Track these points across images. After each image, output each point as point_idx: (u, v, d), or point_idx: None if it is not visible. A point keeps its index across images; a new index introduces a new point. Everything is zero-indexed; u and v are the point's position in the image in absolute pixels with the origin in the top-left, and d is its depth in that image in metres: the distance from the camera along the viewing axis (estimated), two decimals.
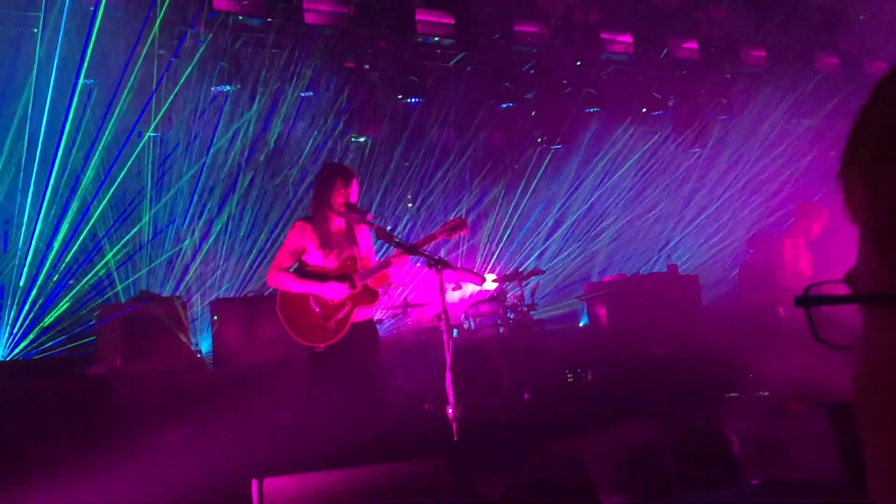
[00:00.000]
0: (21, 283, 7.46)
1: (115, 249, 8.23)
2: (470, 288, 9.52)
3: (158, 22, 7.35)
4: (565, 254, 11.13)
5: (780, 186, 10.87)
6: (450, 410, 4.79)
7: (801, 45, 10.30)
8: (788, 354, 7.83)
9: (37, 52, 6.93)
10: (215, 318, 7.92)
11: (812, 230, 7.99)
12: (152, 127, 7.79)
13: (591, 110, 9.99)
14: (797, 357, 7.65)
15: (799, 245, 8.02)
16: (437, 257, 5.00)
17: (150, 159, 8.06)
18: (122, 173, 7.82)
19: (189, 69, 7.77)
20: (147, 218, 8.31)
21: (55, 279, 7.81)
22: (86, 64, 7.05)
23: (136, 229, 8.21)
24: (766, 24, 10.11)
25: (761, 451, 4.28)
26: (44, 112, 7.06)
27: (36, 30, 6.96)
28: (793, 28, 10.14)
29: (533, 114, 9.85)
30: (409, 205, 9.86)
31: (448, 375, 4.77)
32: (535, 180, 10.36)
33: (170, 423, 6.36)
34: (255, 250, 9.11)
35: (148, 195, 8.17)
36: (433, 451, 5.37)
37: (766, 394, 9.37)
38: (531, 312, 9.01)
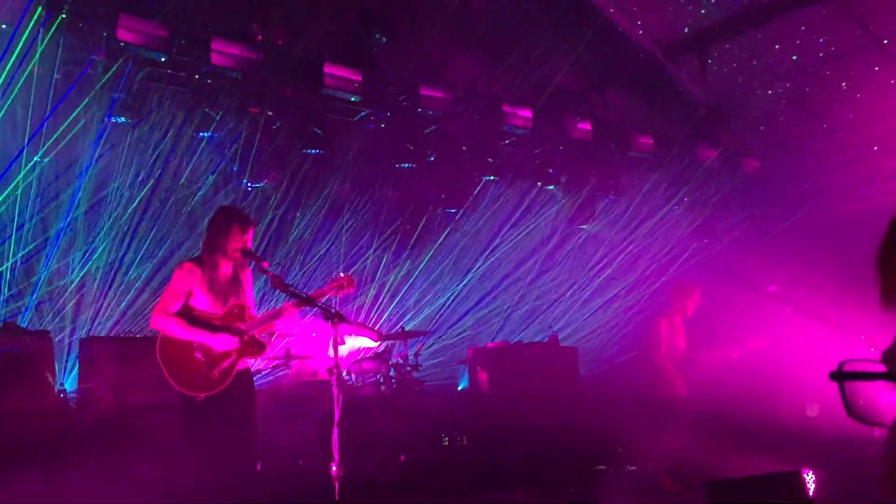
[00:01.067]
0: None
1: None
2: (354, 342, 9.43)
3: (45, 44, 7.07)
4: (452, 317, 11.22)
5: (658, 267, 11.37)
6: (334, 468, 4.69)
7: (684, 136, 10.93)
8: (665, 431, 8.13)
9: None
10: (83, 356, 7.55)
11: (688, 308, 8.36)
12: (40, 153, 7.45)
13: (489, 178, 10.23)
14: (674, 434, 7.94)
15: (675, 323, 8.36)
16: (333, 310, 4.95)
17: (34, 186, 7.68)
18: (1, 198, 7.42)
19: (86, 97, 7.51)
20: (24, 248, 7.88)
21: None
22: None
23: (9, 260, 7.75)
24: (655, 114, 10.71)
25: None
26: None
27: None
28: (680, 120, 10.78)
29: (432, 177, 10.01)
30: (288, 264, 9.72)
31: (335, 432, 4.68)
32: (433, 243, 10.46)
33: (27, 470, 5.95)
34: (133, 289, 8.76)
35: (27, 223, 7.76)
36: None
37: (634, 468, 9.63)
38: (413, 372, 8.99)
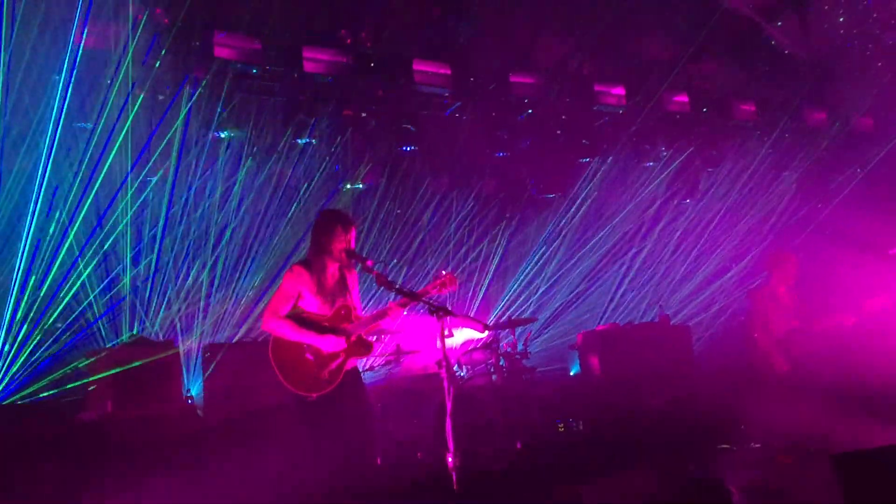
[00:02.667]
0: (9, 326, 7.39)
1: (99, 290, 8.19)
2: (462, 335, 9.50)
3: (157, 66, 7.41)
4: (559, 302, 11.15)
5: (767, 238, 10.98)
6: (450, 459, 4.74)
7: (789, 99, 10.49)
8: (783, 406, 7.85)
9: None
10: (207, 361, 7.88)
11: (788, 276, 8.04)
12: (145, 171, 7.82)
13: (584, 160, 10.11)
14: (792, 409, 7.67)
15: (778, 294, 8.07)
16: (438, 305, 4.99)
17: (149, 202, 8.06)
18: (115, 217, 7.83)
19: (182, 113, 7.81)
20: (142, 261, 8.29)
21: (45, 322, 7.74)
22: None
23: (129, 273, 8.16)
24: (756, 80, 10.31)
25: (762, 502, 4.28)
26: (41, 156, 7.06)
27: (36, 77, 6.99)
28: (782, 83, 10.34)
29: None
30: (391, 260, 9.85)
31: (448, 423, 4.73)
32: (535, 228, 10.42)
33: (162, 470, 6.27)
34: (245, 296, 9.07)
35: (145, 238, 8.16)
36: (435, 500, 5.34)
37: (758, 446, 9.35)
38: (523, 360, 8.99)
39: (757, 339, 7.90)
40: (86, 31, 7.06)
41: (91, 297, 8.03)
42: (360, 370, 5.56)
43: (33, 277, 7.35)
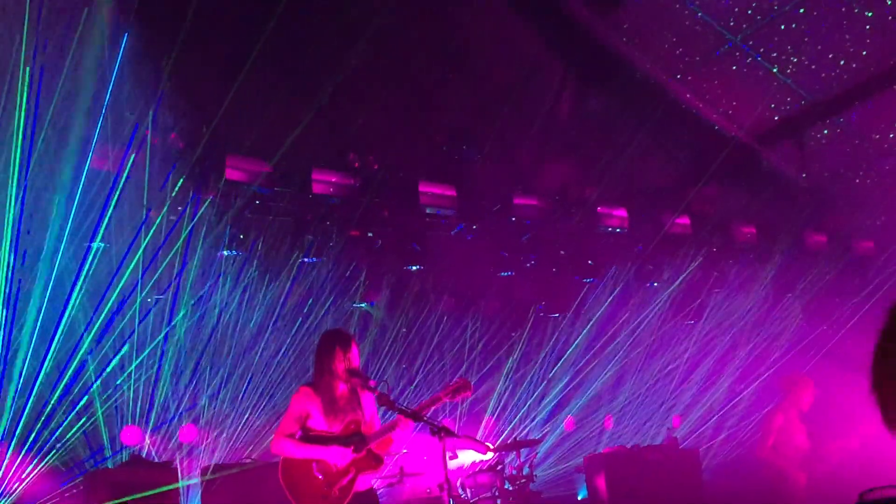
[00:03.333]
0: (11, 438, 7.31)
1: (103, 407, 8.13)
2: (467, 456, 9.33)
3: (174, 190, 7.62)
4: (565, 423, 10.99)
5: (775, 362, 10.92)
6: None
7: (789, 223, 10.65)
8: None
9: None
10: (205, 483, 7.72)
11: (803, 401, 8.01)
12: (148, 287, 7.90)
13: (588, 280, 10.19)
14: None
15: (791, 417, 8.00)
16: (439, 425, 4.95)
17: (152, 322, 8.12)
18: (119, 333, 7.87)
19: (186, 232, 7.96)
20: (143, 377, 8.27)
21: (44, 436, 7.67)
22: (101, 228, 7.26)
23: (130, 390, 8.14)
24: (756, 203, 10.50)
25: None
26: (53, 271, 7.17)
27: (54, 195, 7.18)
28: (781, 207, 10.52)
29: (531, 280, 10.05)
30: (396, 379, 9.82)
31: None
32: (539, 348, 10.40)
33: None
34: (250, 416, 9.00)
35: (157, 355, 8.18)
36: None
37: None
38: (529, 484, 8.79)
39: (766, 458, 7.81)
40: (100, 154, 7.31)
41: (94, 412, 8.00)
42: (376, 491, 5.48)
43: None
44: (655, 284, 10.48)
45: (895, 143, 10.23)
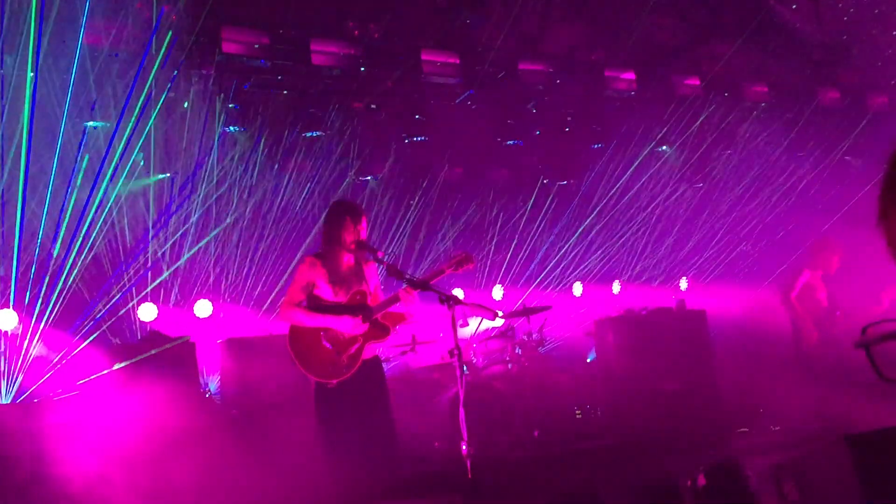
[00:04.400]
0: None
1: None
2: (477, 324, 9.49)
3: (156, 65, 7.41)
4: (575, 289, 11.13)
5: (784, 220, 10.90)
6: (464, 447, 4.76)
7: (802, 79, 10.39)
8: (803, 388, 7.84)
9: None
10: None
11: (831, 264, 8.10)
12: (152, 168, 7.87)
13: (596, 146, 10.06)
14: (813, 390, 7.65)
15: (817, 277, 8.13)
16: (447, 294, 5.00)
17: (157, 200, 8.12)
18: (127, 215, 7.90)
19: (187, 108, 7.83)
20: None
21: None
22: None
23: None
24: (768, 60, 10.20)
25: (780, 486, 4.24)
26: (48, 154, 7.10)
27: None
28: (794, 63, 10.23)
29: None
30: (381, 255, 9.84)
31: (462, 412, 4.74)
32: (548, 216, 10.39)
33: (184, 465, 6.33)
34: (261, 289, 9.13)
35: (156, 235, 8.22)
36: (450, 490, 5.35)
37: (777, 428, 9.32)
38: (539, 348, 8.97)
39: (792, 305, 8.07)
40: (93, 28, 7.10)
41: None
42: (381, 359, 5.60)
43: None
44: (665, 148, 10.34)
45: None
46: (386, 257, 5.32)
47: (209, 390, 8.07)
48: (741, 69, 10.32)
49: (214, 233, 8.57)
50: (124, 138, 7.33)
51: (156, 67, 7.40)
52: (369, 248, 5.36)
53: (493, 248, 10.47)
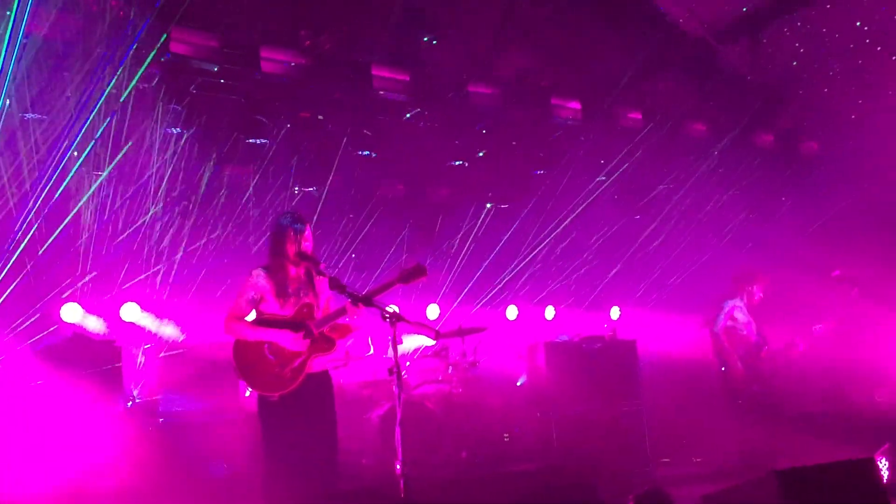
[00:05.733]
0: None
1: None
2: (411, 342, 9.48)
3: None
4: (509, 312, 11.19)
5: (716, 256, 11.20)
6: (398, 466, 4.72)
7: (739, 121, 10.72)
8: (729, 421, 8.03)
9: None
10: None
11: (754, 294, 8.32)
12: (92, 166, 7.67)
13: (539, 172, 10.18)
14: (738, 423, 7.84)
15: (741, 308, 8.34)
16: (390, 310, 4.97)
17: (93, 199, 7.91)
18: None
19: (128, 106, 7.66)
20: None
21: None
22: None
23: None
24: (708, 100, 10.52)
25: None
26: None
27: None
28: (732, 105, 10.56)
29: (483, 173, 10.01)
30: (353, 255, 9.81)
31: (398, 431, 4.71)
32: (488, 238, 10.45)
33: (107, 475, 6.16)
34: (193, 297, 8.94)
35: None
36: None
37: (699, 460, 9.53)
38: (472, 370, 9.00)
39: (716, 336, 8.25)
40: (37, 19, 6.89)
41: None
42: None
43: None
44: (604, 178, 10.53)
45: (847, 44, 10.24)
46: (328, 269, 5.28)
47: (133, 398, 7.83)
48: (682, 107, 10.59)
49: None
50: (64, 133, 7.12)
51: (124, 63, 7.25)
52: (311, 260, 5.32)
53: (430, 267, 10.45)
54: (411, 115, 8.96)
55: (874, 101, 10.80)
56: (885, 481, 4.70)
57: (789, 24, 10.07)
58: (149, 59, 7.35)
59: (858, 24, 9.74)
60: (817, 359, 8.92)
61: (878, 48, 10.05)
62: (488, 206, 10.25)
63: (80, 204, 7.88)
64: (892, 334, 9.75)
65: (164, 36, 7.36)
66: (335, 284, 5.07)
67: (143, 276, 8.69)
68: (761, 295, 8.35)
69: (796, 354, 8.07)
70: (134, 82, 7.29)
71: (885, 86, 10.65)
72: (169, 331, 8.66)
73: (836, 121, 11.23)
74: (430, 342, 9.69)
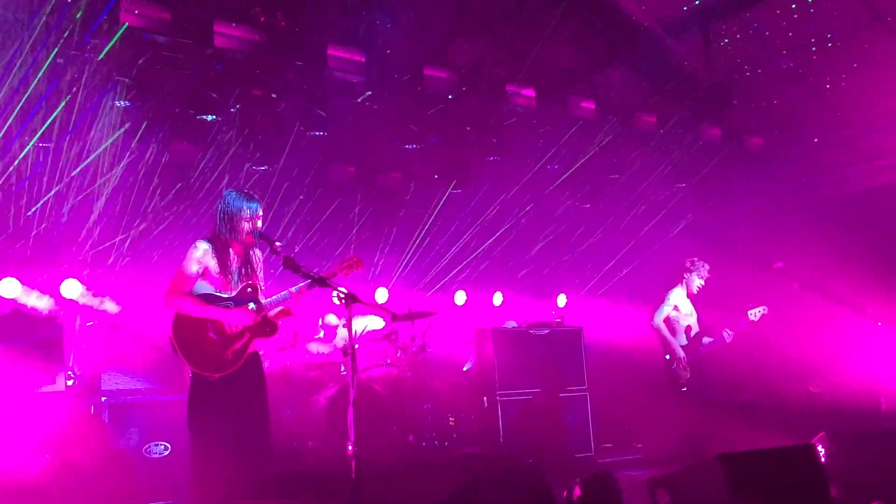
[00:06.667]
0: None
1: None
2: (359, 324, 9.46)
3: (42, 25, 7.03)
4: (457, 297, 11.25)
5: (663, 246, 11.40)
6: (350, 447, 4.73)
7: (687, 114, 10.89)
8: (672, 408, 8.21)
9: None
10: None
11: (692, 282, 8.49)
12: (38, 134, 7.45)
13: (492, 158, 10.21)
14: (684, 412, 8.02)
15: (680, 296, 8.50)
16: (344, 291, 4.95)
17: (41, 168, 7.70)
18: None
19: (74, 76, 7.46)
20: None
21: None
22: None
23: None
24: (658, 93, 10.66)
25: (655, 499, 4.44)
26: None
27: None
28: (683, 99, 10.72)
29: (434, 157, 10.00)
30: (279, 246, 9.72)
31: (350, 412, 4.71)
32: (438, 223, 10.46)
33: (47, 454, 6.02)
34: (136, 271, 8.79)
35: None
36: (328, 491, 5.30)
37: (640, 445, 9.74)
38: (421, 353, 9.04)
39: (656, 326, 8.36)
40: None
41: None
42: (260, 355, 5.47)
43: None
44: (556, 167, 10.61)
45: (792, 44, 10.46)
46: (281, 248, 5.22)
47: (73, 374, 7.67)
48: (633, 99, 10.72)
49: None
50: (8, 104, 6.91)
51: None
52: (267, 239, 5.26)
53: (380, 250, 10.45)
54: (365, 97, 8.87)
55: (818, 101, 11.08)
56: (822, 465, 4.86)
57: (738, 21, 10.25)
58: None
59: (805, 24, 9.96)
60: (752, 349, 9.18)
61: (823, 47, 10.30)
62: (445, 191, 10.24)
63: (14, 174, 7.66)
64: (828, 327, 10.08)
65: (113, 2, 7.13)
66: (290, 264, 5.02)
67: (86, 252, 8.51)
68: (701, 283, 8.53)
69: (727, 343, 8.28)
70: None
71: (827, 87, 10.94)
72: (111, 307, 8.50)
73: (781, 118, 11.50)
74: (378, 325, 9.70)
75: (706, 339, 8.35)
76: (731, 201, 11.86)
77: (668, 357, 8.33)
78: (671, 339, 8.31)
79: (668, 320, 8.43)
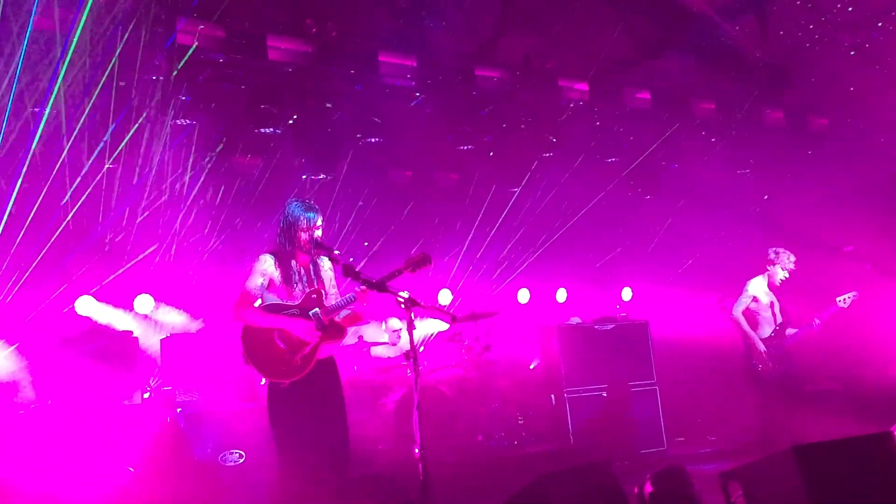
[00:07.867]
0: None
1: None
2: (425, 326, 9.52)
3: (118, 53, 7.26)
4: (520, 295, 11.22)
5: (729, 234, 11.18)
6: (416, 450, 4.75)
7: (748, 99, 10.65)
8: (748, 400, 8.02)
9: None
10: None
11: (775, 274, 8.21)
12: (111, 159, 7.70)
13: (547, 155, 10.15)
14: (761, 403, 7.83)
15: (761, 288, 8.25)
16: (404, 296, 4.97)
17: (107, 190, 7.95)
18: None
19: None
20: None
21: None
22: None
23: None
24: (716, 78, 10.45)
25: (728, 493, 4.36)
26: None
27: None
28: (740, 83, 10.49)
29: (490, 154, 9.98)
30: (365, 243, 9.84)
31: (416, 415, 4.73)
32: (497, 222, 10.45)
33: (120, 465, 6.21)
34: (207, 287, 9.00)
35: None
36: (399, 492, 5.35)
37: (714, 438, 9.56)
38: (485, 353, 9.05)
39: (735, 318, 8.15)
40: (39, 12, 6.90)
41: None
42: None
43: None
44: (614, 160, 10.50)
45: (855, 19, 10.15)
46: (340, 256, 5.30)
47: (150, 387, 7.91)
48: (690, 86, 10.53)
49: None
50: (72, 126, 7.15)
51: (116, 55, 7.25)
52: (325, 248, 5.34)
53: (441, 252, 10.50)
54: (418, 101, 8.92)
55: (883, 77, 10.71)
56: None
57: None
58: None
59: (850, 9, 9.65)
60: (833, 336, 8.89)
61: (887, 23, 9.95)
62: (503, 190, 10.23)
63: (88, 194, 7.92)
64: None
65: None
66: (349, 271, 5.07)
67: (157, 267, 8.75)
68: (786, 276, 8.22)
69: (815, 332, 8.01)
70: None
71: (893, 62, 10.56)
72: (182, 321, 8.73)
73: (846, 97, 11.14)
74: (443, 327, 9.73)
75: (790, 331, 8.08)
76: (796, 185, 11.54)
77: (748, 349, 8.09)
78: (750, 332, 8.04)
79: (747, 312, 8.15)
